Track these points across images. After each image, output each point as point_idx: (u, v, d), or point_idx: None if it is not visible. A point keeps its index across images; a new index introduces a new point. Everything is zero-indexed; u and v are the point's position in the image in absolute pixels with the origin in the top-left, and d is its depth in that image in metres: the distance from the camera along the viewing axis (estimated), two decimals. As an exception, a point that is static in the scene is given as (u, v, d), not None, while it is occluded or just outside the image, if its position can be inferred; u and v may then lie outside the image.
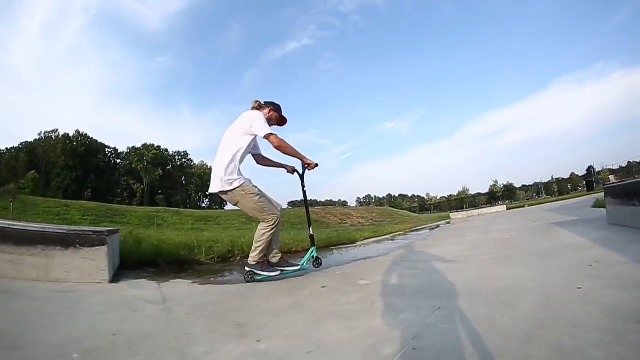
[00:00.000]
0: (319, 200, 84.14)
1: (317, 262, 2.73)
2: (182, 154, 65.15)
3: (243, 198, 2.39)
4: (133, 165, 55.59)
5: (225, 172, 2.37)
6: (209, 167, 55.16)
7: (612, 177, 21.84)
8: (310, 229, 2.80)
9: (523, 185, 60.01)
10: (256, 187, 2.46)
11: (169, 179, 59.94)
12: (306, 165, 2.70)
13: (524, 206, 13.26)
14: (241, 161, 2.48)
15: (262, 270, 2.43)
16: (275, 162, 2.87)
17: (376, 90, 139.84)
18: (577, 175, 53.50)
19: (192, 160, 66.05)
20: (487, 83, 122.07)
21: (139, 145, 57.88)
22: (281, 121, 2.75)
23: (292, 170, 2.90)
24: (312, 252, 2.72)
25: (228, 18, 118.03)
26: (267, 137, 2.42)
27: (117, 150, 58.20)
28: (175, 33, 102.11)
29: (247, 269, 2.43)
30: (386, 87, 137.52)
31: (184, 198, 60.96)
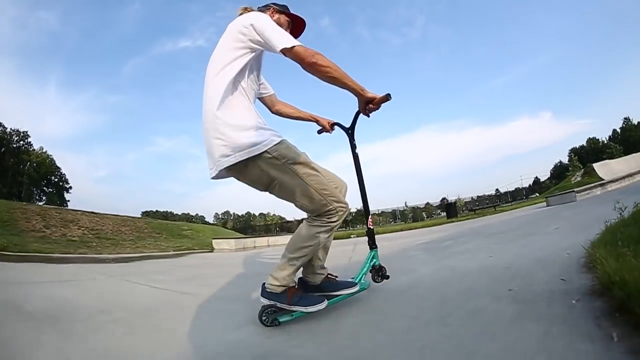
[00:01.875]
0: (175, 213, 76.96)
1: (381, 273, 1.56)
2: (22, 134, 43.09)
3: (281, 171, 1.26)
4: None
5: (225, 132, 1.23)
6: (50, 156, 40.48)
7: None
8: (370, 220, 1.62)
9: (382, 212, 58.33)
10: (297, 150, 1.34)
11: (-1, 164, 40.27)
12: (367, 104, 1.33)
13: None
14: (253, 97, 1.38)
15: (294, 304, 1.31)
16: (302, 112, 1.74)
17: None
18: (432, 204, 65.13)
19: (31, 145, 43.62)
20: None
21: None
22: (297, 26, 1.50)
23: (330, 127, 1.73)
24: (373, 257, 1.57)
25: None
26: (289, 50, 1.18)
27: None
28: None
29: (264, 300, 1.32)
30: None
31: (13, 191, 39.84)
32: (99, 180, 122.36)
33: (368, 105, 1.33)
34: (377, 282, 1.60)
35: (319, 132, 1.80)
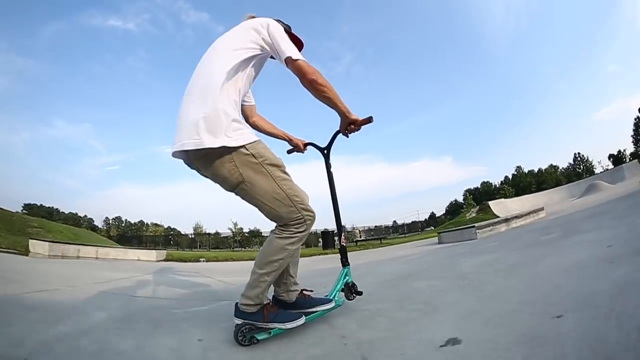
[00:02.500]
0: (61, 210, 68.65)
1: (354, 290, 1.64)
2: None
3: (254, 171, 1.21)
4: None
5: (216, 111, 1.16)
6: None
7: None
8: (342, 237, 1.71)
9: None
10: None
11: None
12: (349, 125, 1.45)
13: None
14: (241, 97, 1.32)
15: (271, 321, 1.27)
16: (277, 129, 1.76)
17: (170, 109, 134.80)
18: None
19: None
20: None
21: None
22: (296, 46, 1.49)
23: (303, 146, 1.81)
24: (345, 275, 1.64)
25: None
26: (293, 62, 1.24)
27: None
28: None
29: (238, 320, 1.25)
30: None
31: None
32: None
33: (350, 126, 1.44)
34: (350, 299, 1.63)
35: (289, 151, 1.83)
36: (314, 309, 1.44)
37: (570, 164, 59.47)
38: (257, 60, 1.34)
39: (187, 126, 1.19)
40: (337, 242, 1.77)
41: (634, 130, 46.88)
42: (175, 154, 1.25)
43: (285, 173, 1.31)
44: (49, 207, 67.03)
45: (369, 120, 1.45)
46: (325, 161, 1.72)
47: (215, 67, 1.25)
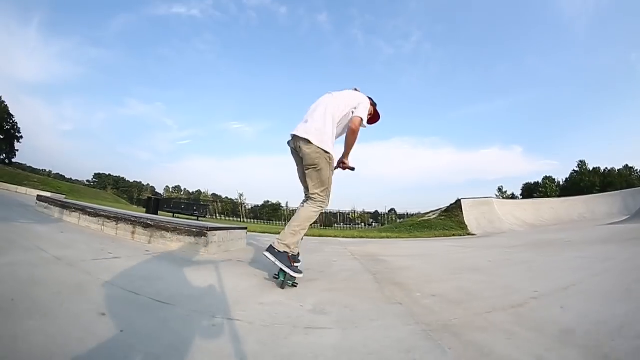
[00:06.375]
0: (126, 179, 79.59)
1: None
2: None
3: (326, 166, 2.03)
4: None
5: (326, 130, 2.03)
6: (3, 103, 42.43)
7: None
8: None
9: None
10: None
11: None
12: (342, 164, 2.29)
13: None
14: (336, 132, 2.14)
15: (290, 268, 1.90)
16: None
17: (236, 87, 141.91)
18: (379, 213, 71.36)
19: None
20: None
21: None
22: (373, 118, 2.42)
23: (348, 167, 2.38)
24: None
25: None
26: (357, 119, 2.08)
27: None
28: None
29: (267, 254, 1.92)
30: (246, 89, 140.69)
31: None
32: (65, 134, 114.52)
33: (341, 164, 2.28)
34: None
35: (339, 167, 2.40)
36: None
37: (653, 166, 48.35)
38: (349, 118, 2.14)
39: (311, 125, 2.04)
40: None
41: None
42: (294, 136, 2.05)
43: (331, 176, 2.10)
44: (116, 176, 79.12)
45: (352, 168, 2.32)
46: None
47: (327, 110, 2.08)
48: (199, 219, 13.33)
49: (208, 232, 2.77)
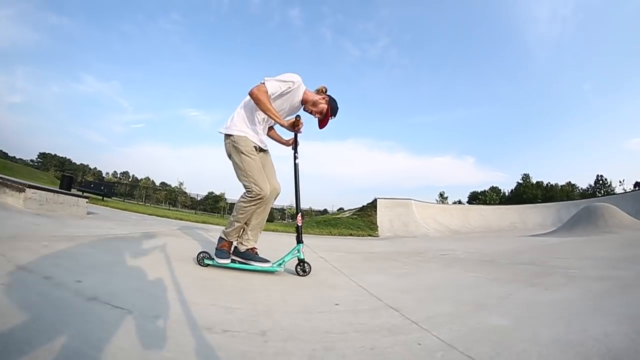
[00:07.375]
0: (73, 161, 70.67)
1: (302, 267, 1.92)
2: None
3: (233, 151, 1.98)
4: None
5: (232, 115, 2.03)
6: None
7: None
8: (299, 216, 1.97)
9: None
10: (255, 149, 1.99)
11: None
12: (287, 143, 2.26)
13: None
14: (252, 112, 2.02)
15: (216, 256, 1.96)
16: (277, 136, 2.35)
17: (197, 74, 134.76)
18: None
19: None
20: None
21: None
22: (323, 120, 2.14)
23: (291, 143, 2.23)
24: (297, 250, 1.92)
25: None
26: (255, 86, 1.91)
27: None
28: None
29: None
30: (208, 76, 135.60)
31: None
32: (12, 106, 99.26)
33: (295, 127, 2.12)
34: (300, 274, 1.96)
35: (284, 144, 2.30)
36: (250, 262, 1.95)
37: (590, 185, 55.05)
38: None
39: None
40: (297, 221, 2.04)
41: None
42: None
43: (250, 157, 1.93)
44: (62, 157, 70.93)
45: (291, 143, 2.18)
46: (294, 154, 2.14)
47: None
48: (104, 198, 14.10)
49: (27, 189, 3.38)
